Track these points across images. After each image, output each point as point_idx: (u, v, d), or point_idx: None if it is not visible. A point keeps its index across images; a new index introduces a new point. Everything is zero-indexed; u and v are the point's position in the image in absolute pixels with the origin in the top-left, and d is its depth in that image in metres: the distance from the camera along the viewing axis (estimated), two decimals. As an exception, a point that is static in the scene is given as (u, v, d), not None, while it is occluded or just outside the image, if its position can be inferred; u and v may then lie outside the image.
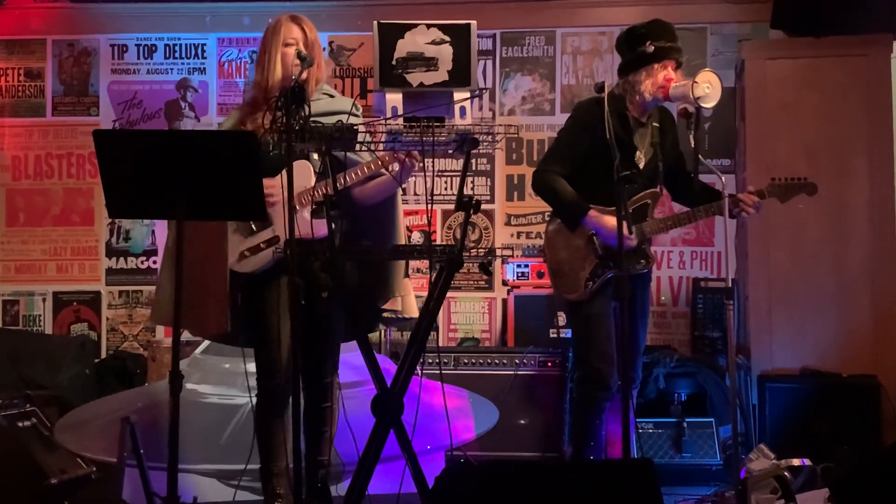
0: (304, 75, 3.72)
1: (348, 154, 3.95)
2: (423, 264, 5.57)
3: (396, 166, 3.76)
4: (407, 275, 4.16)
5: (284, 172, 3.64)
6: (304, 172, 3.86)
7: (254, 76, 4.02)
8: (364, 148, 3.80)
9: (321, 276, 3.77)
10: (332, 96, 4.05)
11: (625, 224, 3.94)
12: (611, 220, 4.22)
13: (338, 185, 3.78)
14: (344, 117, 3.64)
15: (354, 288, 4.05)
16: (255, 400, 3.98)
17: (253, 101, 4.00)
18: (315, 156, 3.92)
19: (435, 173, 3.76)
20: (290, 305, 3.43)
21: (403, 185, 4.00)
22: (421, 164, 3.72)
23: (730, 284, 4.33)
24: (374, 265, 4.09)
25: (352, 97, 6.53)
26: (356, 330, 3.79)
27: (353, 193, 4.02)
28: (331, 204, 3.62)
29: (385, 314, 4.21)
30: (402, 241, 4.19)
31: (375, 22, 3.66)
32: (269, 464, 3.93)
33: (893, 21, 5.75)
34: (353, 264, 4.04)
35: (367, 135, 3.67)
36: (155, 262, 6.72)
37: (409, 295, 4.17)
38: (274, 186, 3.74)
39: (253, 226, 3.89)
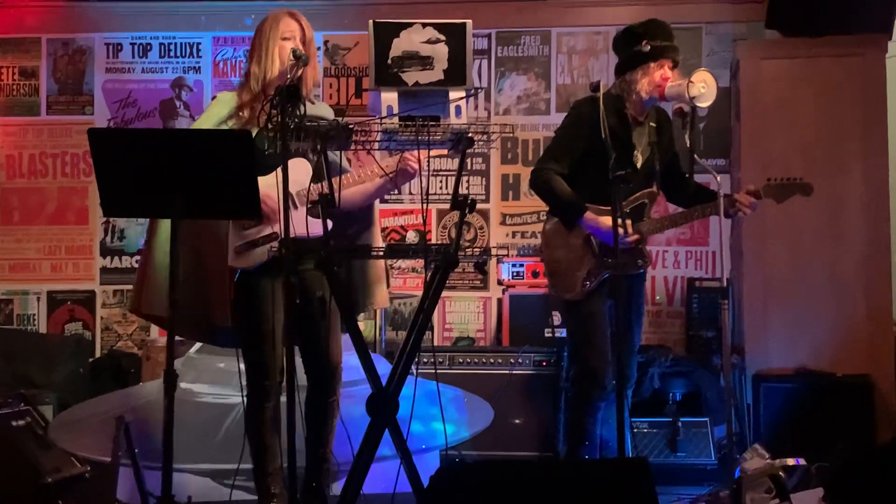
0: (300, 73, 3.73)
1: (333, 158, 3.95)
2: (419, 263, 5.57)
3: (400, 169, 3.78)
4: (388, 285, 4.18)
5: (278, 171, 3.64)
6: (303, 170, 3.85)
7: (248, 67, 4.00)
8: (352, 150, 3.81)
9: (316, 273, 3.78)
10: (312, 102, 4.02)
11: (620, 223, 3.94)
12: (607, 221, 4.22)
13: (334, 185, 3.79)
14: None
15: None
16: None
17: (250, 92, 3.94)
18: (312, 156, 3.93)
19: (430, 173, 3.75)
20: (286, 304, 3.43)
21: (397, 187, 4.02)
22: (423, 168, 3.74)
23: (724, 284, 4.35)
24: (356, 274, 4.12)
25: (347, 96, 6.54)
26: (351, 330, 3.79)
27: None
28: (327, 203, 3.61)
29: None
30: (378, 243, 4.19)
31: (371, 21, 3.66)
32: (263, 463, 3.93)
33: (888, 21, 5.76)
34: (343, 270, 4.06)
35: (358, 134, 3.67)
36: (150, 262, 6.71)
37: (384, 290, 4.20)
38: (270, 186, 3.73)
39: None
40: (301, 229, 3.64)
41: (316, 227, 3.69)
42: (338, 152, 3.88)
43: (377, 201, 4.20)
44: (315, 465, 3.99)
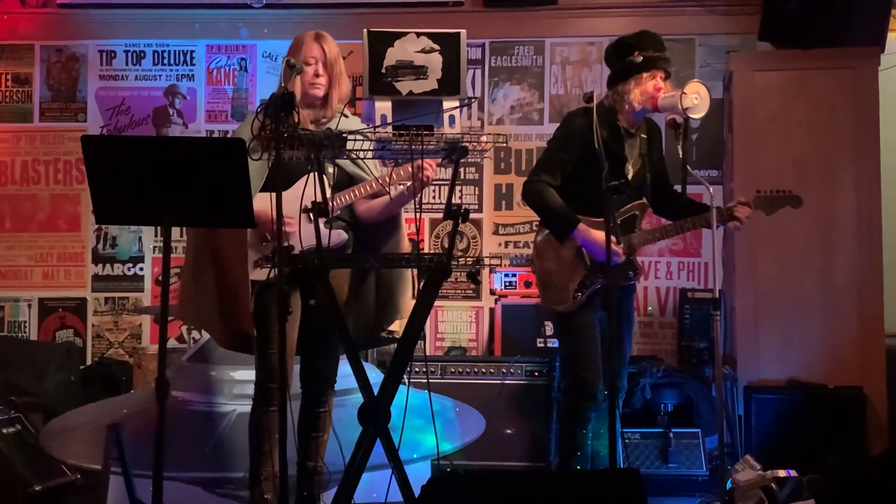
0: (320, 86, 3.81)
1: (355, 171, 3.97)
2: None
3: (408, 182, 3.79)
4: (414, 296, 4.16)
5: (299, 182, 3.66)
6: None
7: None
8: (361, 158, 3.82)
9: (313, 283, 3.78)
10: (346, 116, 4.03)
11: (613, 237, 3.94)
12: (599, 235, 4.22)
13: (344, 199, 3.82)
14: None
15: (366, 307, 4.10)
16: (240, 407, 3.98)
17: None
18: (330, 169, 3.93)
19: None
20: (278, 313, 3.42)
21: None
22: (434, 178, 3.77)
23: (717, 295, 4.34)
24: (383, 285, 4.13)
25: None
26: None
27: (358, 211, 4.03)
28: (321, 212, 3.61)
29: (384, 335, 4.24)
30: (406, 249, 4.20)
31: (365, 30, 3.66)
32: (259, 469, 3.92)
33: (880, 34, 5.77)
34: (368, 283, 4.10)
35: (359, 143, 3.67)
36: (142, 269, 6.71)
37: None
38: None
39: (267, 235, 3.89)
40: (307, 241, 3.67)
41: (334, 239, 3.78)
42: (359, 162, 3.91)
43: (402, 210, 4.20)
44: (306, 474, 3.98)
